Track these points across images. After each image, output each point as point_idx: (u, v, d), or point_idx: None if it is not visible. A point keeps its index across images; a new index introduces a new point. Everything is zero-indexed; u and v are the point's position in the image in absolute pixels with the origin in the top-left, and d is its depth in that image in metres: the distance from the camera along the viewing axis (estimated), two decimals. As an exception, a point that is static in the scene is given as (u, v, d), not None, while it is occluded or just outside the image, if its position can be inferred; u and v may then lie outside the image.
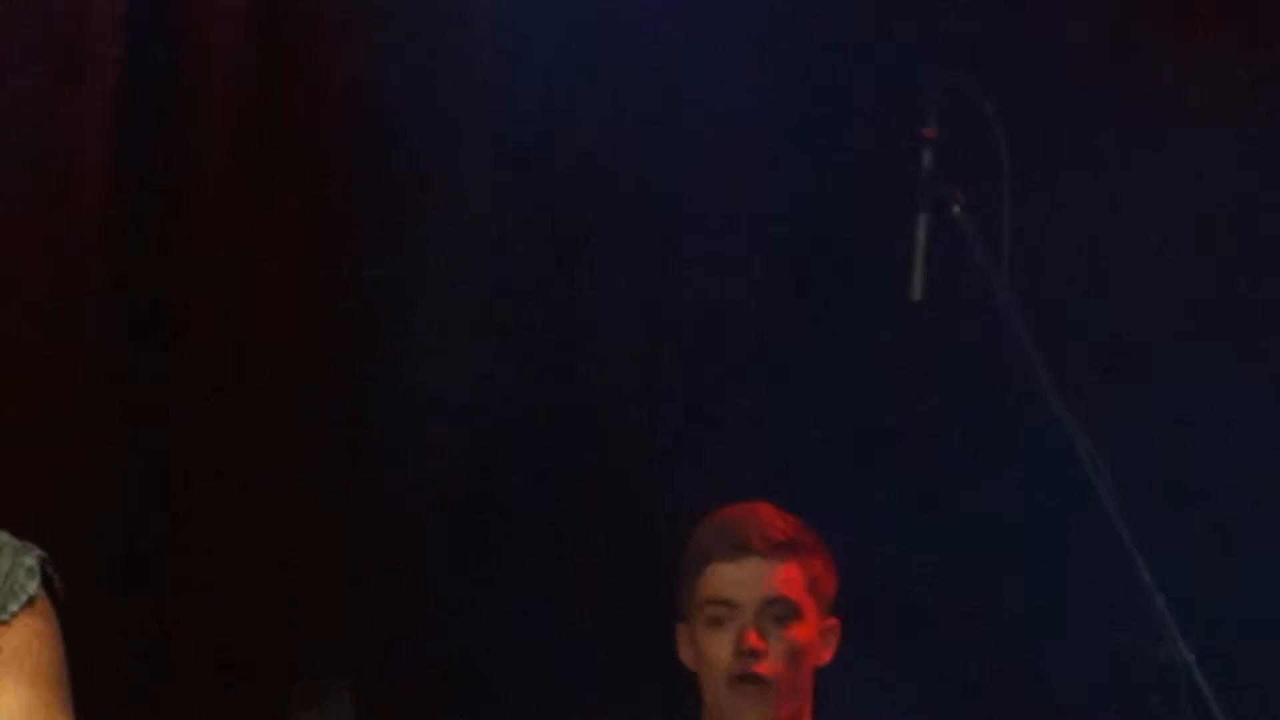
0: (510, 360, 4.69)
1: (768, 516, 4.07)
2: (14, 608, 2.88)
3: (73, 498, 4.28)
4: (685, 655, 4.00)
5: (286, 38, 4.75)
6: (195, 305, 4.59)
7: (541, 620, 4.66)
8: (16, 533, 3.21)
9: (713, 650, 3.98)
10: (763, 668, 3.95)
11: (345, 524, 4.76)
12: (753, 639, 3.93)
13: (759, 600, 3.96)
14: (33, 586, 2.96)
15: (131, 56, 4.65)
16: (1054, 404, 3.55)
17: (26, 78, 4.51)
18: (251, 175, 4.62)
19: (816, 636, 4.02)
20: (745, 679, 3.94)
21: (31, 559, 2.93)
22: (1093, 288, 4.47)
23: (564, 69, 4.57)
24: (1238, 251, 4.59)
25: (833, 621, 4.01)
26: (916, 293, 3.75)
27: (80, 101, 4.52)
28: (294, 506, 4.66)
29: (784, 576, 4.05)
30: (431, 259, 4.60)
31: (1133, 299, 4.51)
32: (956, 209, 3.72)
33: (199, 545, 4.60)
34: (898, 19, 4.85)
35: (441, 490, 4.58)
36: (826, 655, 4.00)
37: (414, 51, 4.81)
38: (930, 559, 4.55)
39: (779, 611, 3.95)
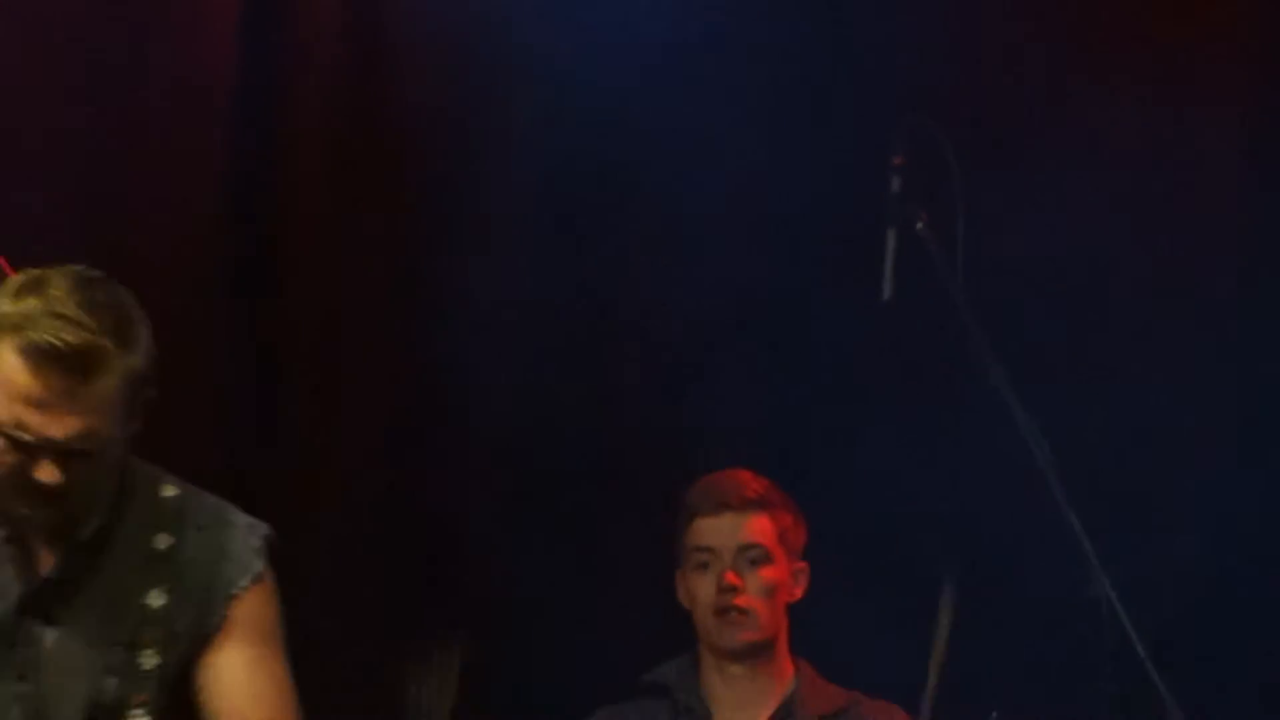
0: (553, 347, 5.15)
1: (744, 479, 4.62)
2: (244, 583, 3.33)
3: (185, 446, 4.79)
4: (682, 596, 4.53)
5: (372, 60, 5.18)
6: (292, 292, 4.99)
7: (576, 573, 5.06)
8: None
9: (700, 589, 4.49)
10: (740, 600, 4.45)
11: (415, 485, 5.08)
12: (730, 577, 4.45)
13: (734, 547, 4.48)
14: (259, 565, 3.36)
15: (244, 67, 5.10)
16: (999, 384, 3.94)
17: (160, 91, 4.94)
18: (339, 172, 5.11)
19: (787, 577, 4.51)
20: (727, 610, 4.46)
21: (258, 539, 3.37)
22: (1030, 288, 4.85)
23: (600, 103, 5.00)
24: (1152, 262, 4.96)
25: (802, 565, 4.51)
26: (886, 293, 4.13)
27: (199, 113, 4.97)
28: (369, 470, 4.97)
29: (756, 527, 4.56)
30: (487, 246, 5.05)
31: (1062, 297, 4.95)
32: (920, 225, 4.11)
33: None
34: (874, 68, 5.17)
35: (497, 454, 5.03)
36: (798, 593, 4.52)
37: (474, 78, 5.14)
38: (892, 513, 4.92)
39: (752, 556, 4.47)
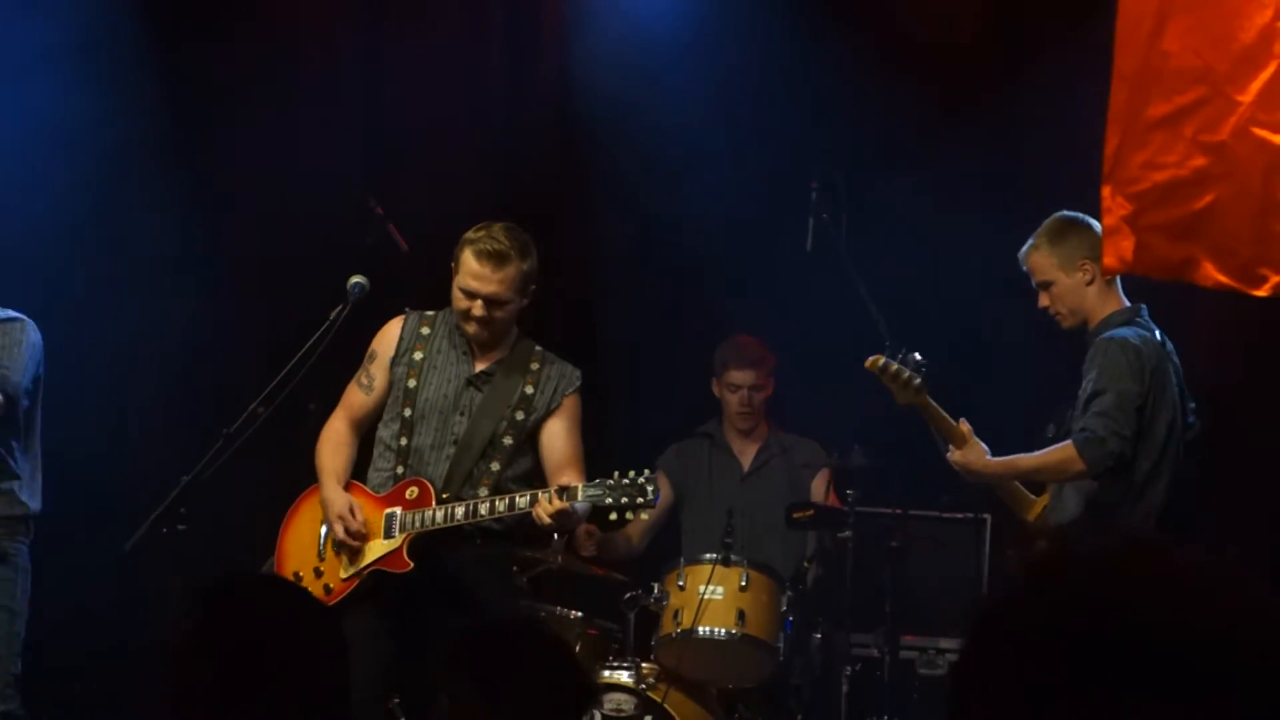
0: (647, 251, 7.25)
1: (753, 346, 6.60)
2: (570, 390, 5.24)
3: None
4: (717, 394, 6.61)
5: (570, 89, 7.29)
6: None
7: (658, 364, 7.12)
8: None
9: (731, 401, 6.61)
10: (749, 408, 6.61)
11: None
12: (745, 400, 6.59)
13: (749, 384, 6.60)
14: (578, 384, 5.24)
15: (510, 99, 7.34)
16: (860, 288, 5.76)
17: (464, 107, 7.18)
18: (558, 150, 7.35)
19: (770, 391, 6.61)
20: (743, 414, 6.64)
21: (579, 371, 5.22)
22: (882, 246, 6.28)
23: (669, 136, 6.90)
24: (965, 230, 6.46)
25: (772, 379, 6.59)
26: (809, 246, 5.93)
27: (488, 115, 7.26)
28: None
29: (758, 374, 6.62)
30: (610, 201, 7.24)
31: (897, 251, 6.50)
32: (825, 216, 5.91)
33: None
34: (808, 118, 6.93)
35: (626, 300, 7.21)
36: (769, 392, 6.63)
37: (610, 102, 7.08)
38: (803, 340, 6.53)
39: (757, 388, 6.59)
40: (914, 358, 5.25)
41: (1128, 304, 5.30)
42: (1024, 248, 5.28)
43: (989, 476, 5.35)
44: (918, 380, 5.22)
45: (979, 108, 6.87)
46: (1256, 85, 5.56)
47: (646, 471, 5.20)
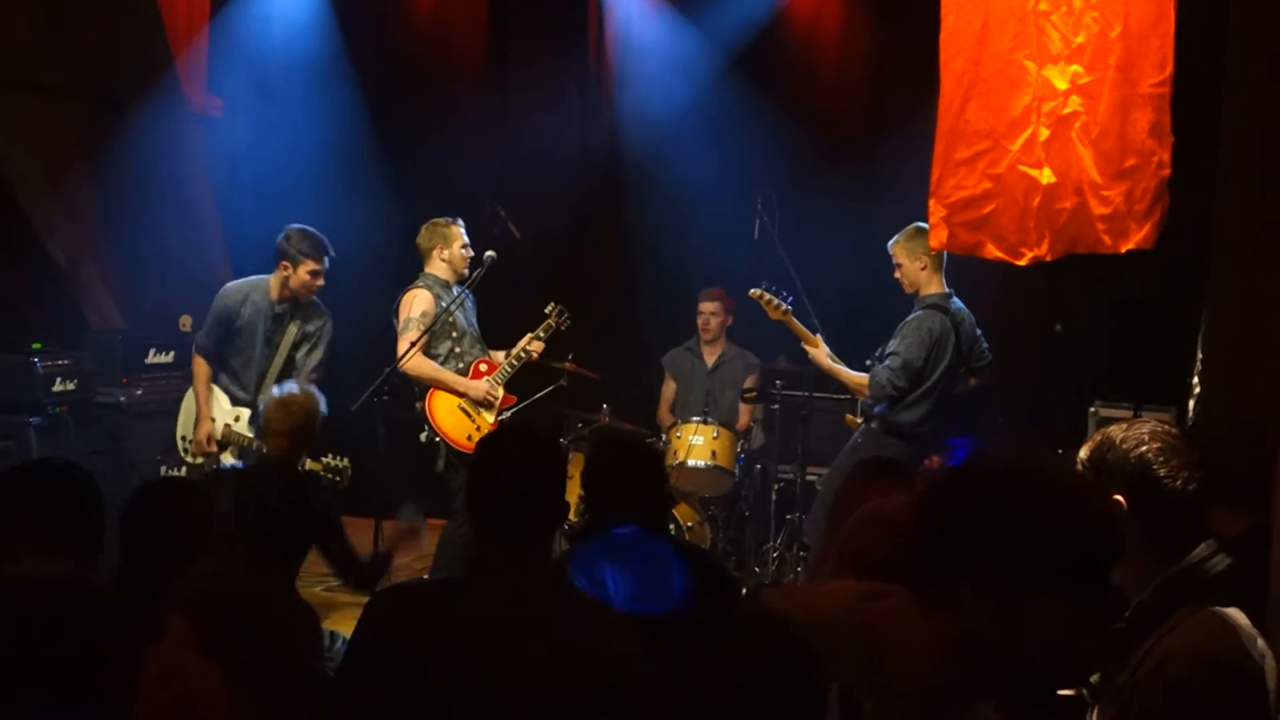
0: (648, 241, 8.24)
1: (713, 290, 7.57)
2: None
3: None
4: (701, 322, 7.44)
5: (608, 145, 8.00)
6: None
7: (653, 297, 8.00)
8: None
9: (701, 324, 7.50)
10: (709, 328, 7.51)
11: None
12: (706, 323, 7.44)
13: (709, 313, 7.55)
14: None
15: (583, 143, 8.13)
16: (786, 261, 6.57)
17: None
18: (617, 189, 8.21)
19: (726, 319, 7.47)
20: (705, 330, 7.50)
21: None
22: (800, 243, 6.89)
23: (664, 172, 7.97)
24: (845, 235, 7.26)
25: (728, 313, 7.41)
26: (756, 235, 6.88)
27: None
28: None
29: (717, 306, 7.61)
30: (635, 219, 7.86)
31: (810, 251, 6.99)
32: (765, 219, 6.83)
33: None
34: (754, 167, 7.54)
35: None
36: (725, 320, 7.50)
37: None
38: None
39: (715, 315, 7.51)
40: (784, 294, 6.02)
41: (946, 289, 6.04)
42: (891, 241, 6.10)
43: (824, 370, 6.16)
44: (784, 306, 6.02)
45: (857, 152, 8.13)
46: (1021, 140, 6.76)
47: (553, 305, 6.25)
